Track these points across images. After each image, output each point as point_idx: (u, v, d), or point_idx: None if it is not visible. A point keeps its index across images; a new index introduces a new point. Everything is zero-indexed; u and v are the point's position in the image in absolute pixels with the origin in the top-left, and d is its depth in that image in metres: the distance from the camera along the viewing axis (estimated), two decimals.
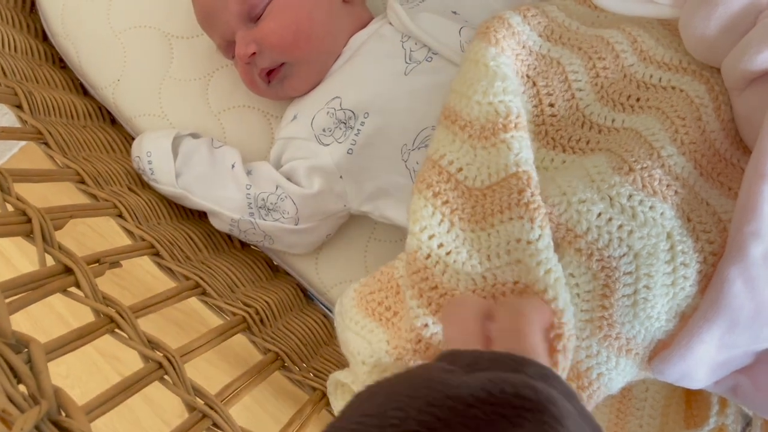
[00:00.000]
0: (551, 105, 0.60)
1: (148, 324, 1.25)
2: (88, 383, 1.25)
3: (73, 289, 0.58)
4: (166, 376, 0.56)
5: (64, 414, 0.45)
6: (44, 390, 0.44)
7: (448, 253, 0.53)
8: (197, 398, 0.56)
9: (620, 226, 0.51)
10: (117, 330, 0.57)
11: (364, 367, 0.56)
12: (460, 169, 0.55)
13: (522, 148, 0.54)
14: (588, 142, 0.59)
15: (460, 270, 0.53)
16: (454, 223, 0.54)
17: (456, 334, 0.45)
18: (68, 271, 0.58)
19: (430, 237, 0.54)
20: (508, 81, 0.57)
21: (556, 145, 0.60)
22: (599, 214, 0.52)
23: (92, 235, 1.38)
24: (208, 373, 1.12)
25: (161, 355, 0.57)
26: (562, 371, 0.48)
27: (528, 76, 0.61)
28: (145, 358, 0.56)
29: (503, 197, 0.53)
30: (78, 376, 1.34)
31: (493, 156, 0.54)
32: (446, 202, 0.55)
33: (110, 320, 0.57)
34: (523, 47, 0.61)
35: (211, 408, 0.55)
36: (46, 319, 1.27)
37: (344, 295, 0.63)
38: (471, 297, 0.49)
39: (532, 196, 0.52)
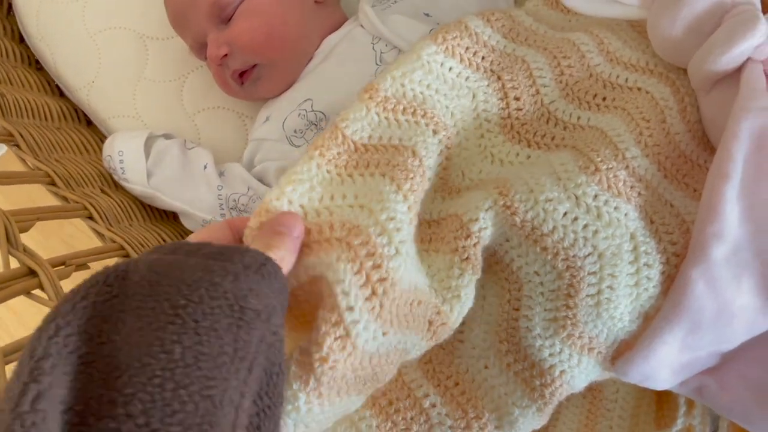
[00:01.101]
0: (516, 99, 0.60)
1: None
2: None
3: (37, 292, 0.58)
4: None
5: None
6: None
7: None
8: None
9: (585, 226, 0.51)
10: None
11: None
12: (345, 120, 0.54)
13: (420, 135, 0.54)
14: (553, 138, 0.59)
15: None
16: (321, 166, 0.52)
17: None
18: (32, 273, 0.58)
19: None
20: (434, 77, 0.57)
21: (521, 139, 0.59)
22: (565, 214, 0.52)
23: (80, 236, 1.38)
24: None
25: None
26: None
27: (492, 71, 0.61)
28: None
29: (383, 157, 0.52)
30: None
31: (384, 125, 0.54)
32: (324, 152, 0.53)
33: None
34: (484, 45, 0.61)
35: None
36: (10, 320, 1.28)
37: None
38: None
39: (413, 166, 0.51)
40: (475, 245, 0.52)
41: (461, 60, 0.60)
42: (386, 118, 0.55)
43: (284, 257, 0.43)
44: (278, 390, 0.38)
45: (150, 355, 0.30)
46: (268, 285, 0.38)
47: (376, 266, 0.45)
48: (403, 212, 0.49)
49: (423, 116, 0.56)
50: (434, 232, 0.57)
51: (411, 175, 0.51)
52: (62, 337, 0.31)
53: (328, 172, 0.52)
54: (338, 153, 0.53)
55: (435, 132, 0.56)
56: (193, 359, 0.31)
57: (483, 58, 0.61)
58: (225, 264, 0.36)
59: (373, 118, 0.55)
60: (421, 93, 0.57)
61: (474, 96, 0.60)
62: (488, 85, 0.60)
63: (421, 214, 0.57)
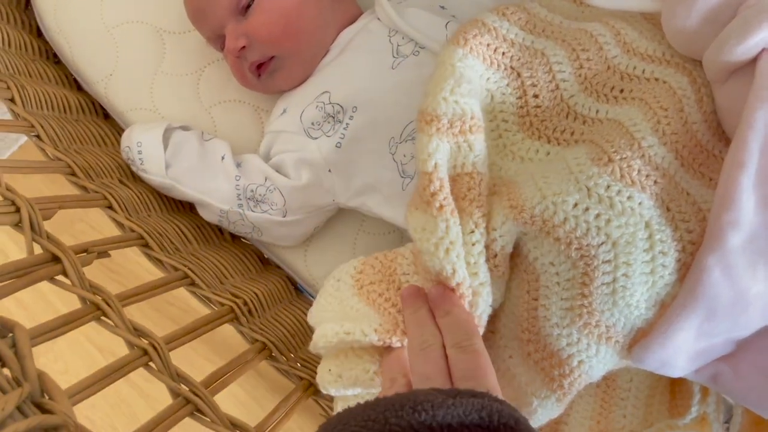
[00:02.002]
0: (535, 96, 0.60)
1: (143, 319, 1.26)
2: None
3: (60, 278, 0.59)
4: (150, 363, 0.57)
5: (47, 397, 0.46)
6: (27, 373, 0.45)
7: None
8: (182, 384, 0.57)
9: (597, 215, 0.52)
10: (103, 317, 0.58)
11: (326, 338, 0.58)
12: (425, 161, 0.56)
13: (481, 150, 0.57)
14: (572, 133, 0.59)
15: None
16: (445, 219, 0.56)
17: (428, 368, 0.47)
18: (56, 259, 0.59)
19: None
20: (467, 81, 0.58)
21: (540, 135, 0.60)
22: (575, 205, 0.52)
23: (91, 232, 1.39)
24: (202, 366, 1.13)
25: (147, 342, 0.57)
26: None
27: (512, 68, 0.62)
28: (131, 345, 0.57)
29: (460, 191, 0.56)
30: (76, 372, 1.35)
31: (455, 150, 0.57)
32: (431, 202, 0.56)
33: (96, 308, 0.57)
34: (504, 40, 0.62)
35: (195, 394, 0.56)
36: (36, 306, 1.28)
37: (342, 278, 0.63)
38: (433, 335, 0.50)
39: (479, 196, 0.56)
40: (496, 259, 0.56)
41: (484, 59, 0.61)
42: (456, 143, 0.57)
43: None
44: None
45: None
46: None
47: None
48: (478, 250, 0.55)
49: (478, 129, 0.58)
50: None
51: (477, 204, 0.56)
52: None
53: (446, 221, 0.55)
54: (433, 193, 0.55)
55: (484, 139, 0.59)
56: None
57: (504, 54, 0.62)
58: None
59: (445, 148, 0.56)
60: (467, 103, 0.57)
61: (492, 98, 0.61)
62: (507, 84, 0.61)
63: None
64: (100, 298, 0.58)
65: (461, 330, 0.49)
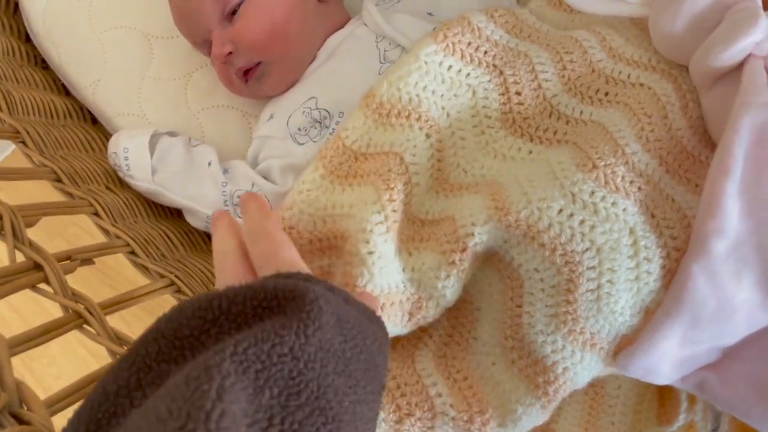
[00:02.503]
0: (518, 93, 0.60)
1: (137, 322, 1.25)
2: None
3: (42, 285, 0.58)
4: None
5: (25, 408, 0.45)
6: (5, 383, 0.45)
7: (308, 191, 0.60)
8: None
9: (582, 222, 0.52)
10: (85, 326, 0.57)
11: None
12: (345, 130, 0.60)
13: (411, 139, 0.58)
14: (555, 132, 0.59)
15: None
16: (325, 177, 0.60)
17: (228, 277, 0.45)
18: (38, 267, 0.58)
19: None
20: (431, 78, 0.59)
21: (523, 133, 0.60)
22: (560, 210, 0.52)
23: (84, 236, 1.39)
24: None
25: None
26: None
27: (494, 65, 0.61)
28: (113, 353, 0.56)
29: (373, 165, 0.58)
30: (69, 377, 1.35)
31: (381, 131, 0.59)
32: (326, 164, 0.60)
33: (78, 316, 0.57)
34: (487, 40, 0.62)
35: None
36: (29, 310, 1.28)
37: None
38: (226, 242, 0.48)
39: (398, 174, 0.57)
40: (464, 253, 0.55)
41: (462, 56, 0.61)
42: (381, 124, 0.59)
43: None
44: None
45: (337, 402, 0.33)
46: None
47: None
48: (378, 222, 0.55)
49: (417, 119, 0.59)
50: (430, 231, 0.58)
51: (392, 185, 0.56)
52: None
53: (330, 182, 0.59)
54: (339, 163, 0.59)
55: (428, 135, 0.59)
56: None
57: (485, 52, 0.61)
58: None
59: (369, 126, 0.59)
60: (417, 95, 0.59)
61: (474, 93, 0.61)
62: (489, 80, 0.61)
63: (415, 213, 0.59)
64: (82, 306, 0.57)
65: (252, 221, 0.47)
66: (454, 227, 0.55)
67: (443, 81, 0.60)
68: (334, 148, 0.60)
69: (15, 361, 0.49)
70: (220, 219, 0.49)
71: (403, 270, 0.57)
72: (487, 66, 0.61)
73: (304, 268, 0.43)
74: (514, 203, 0.53)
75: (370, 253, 0.53)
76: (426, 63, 0.59)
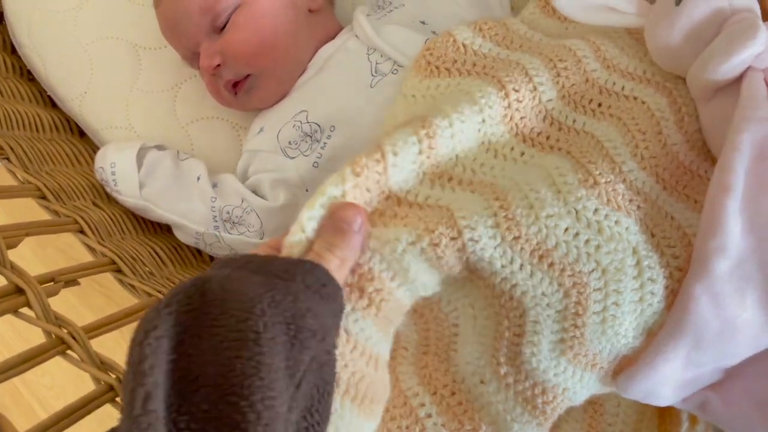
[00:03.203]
0: (516, 90, 0.58)
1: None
2: (74, 395, 1.25)
3: (24, 310, 0.57)
4: (117, 399, 0.55)
5: None
6: None
7: None
8: None
9: (587, 241, 0.50)
10: (69, 351, 0.56)
11: None
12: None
13: (404, 141, 0.53)
14: (548, 138, 0.57)
15: None
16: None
17: None
18: (20, 291, 0.56)
19: None
20: (421, 102, 0.58)
21: (518, 133, 0.58)
22: (566, 229, 0.50)
23: (77, 245, 1.37)
24: None
25: (114, 377, 0.55)
26: None
27: (485, 73, 0.60)
28: (97, 380, 0.55)
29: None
30: (63, 387, 1.33)
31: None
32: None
33: (61, 341, 0.55)
34: (474, 54, 0.61)
35: None
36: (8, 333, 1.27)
37: None
38: None
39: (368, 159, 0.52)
40: (455, 242, 0.51)
41: (449, 73, 0.59)
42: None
43: (346, 257, 0.46)
44: (327, 407, 0.40)
45: (221, 375, 0.32)
46: (327, 305, 0.41)
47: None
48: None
49: (409, 123, 0.55)
50: (414, 213, 0.54)
51: (361, 163, 0.51)
52: (153, 339, 0.33)
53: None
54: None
55: (416, 135, 0.54)
56: (254, 369, 0.33)
57: (474, 64, 0.60)
58: (288, 284, 0.39)
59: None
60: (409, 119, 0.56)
61: (469, 93, 0.58)
62: (483, 82, 0.59)
63: (401, 192, 0.55)
64: (65, 331, 0.56)
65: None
66: (451, 216, 0.51)
67: (434, 98, 0.59)
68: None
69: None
70: None
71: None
72: (478, 74, 0.60)
73: None
74: (519, 207, 0.51)
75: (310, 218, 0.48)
76: (413, 96, 0.59)
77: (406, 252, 0.50)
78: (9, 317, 0.55)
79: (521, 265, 0.51)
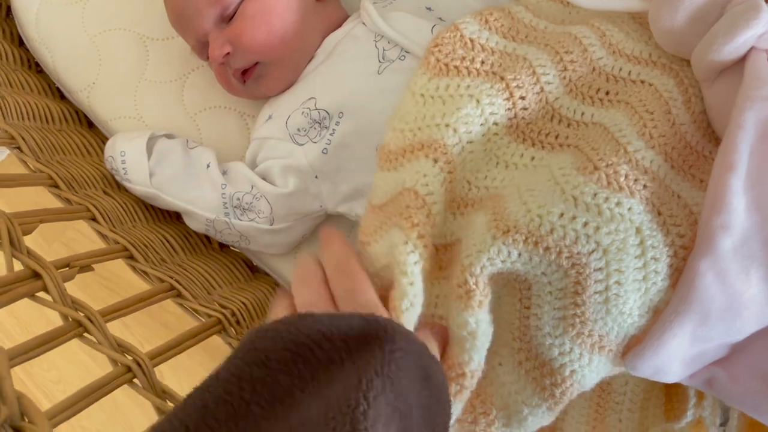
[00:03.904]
0: (522, 98, 0.59)
1: (136, 326, 1.24)
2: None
3: (41, 294, 0.58)
4: (135, 380, 0.56)
5: (27, 420, 0.45)
6: (6, 396, 0.44)
7: None
8: (168, 402, 0.56)
9: (585, 224, 0.51)
10: (86, 334, 0.57)
11: None
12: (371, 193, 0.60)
13: (419, 170, 0.56)
14: (557, 137, 0.58)
15: None
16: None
17: (310, 296, 0.49)
18: (36, 275, 0.57)
19: None
20: (430, 106, 0.59)
21: (525, 138, 0.59)
22: (561, 214, 0.51)
23: (82, 240, 1.38)
24: (198, 373, 1.12)
25: (131, 359, 0.56)
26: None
27: (494, 73, 0.60)
28: (114, 362, 0.56)
29: (394, 209, 0.56)
30: (70, 382, 1.34)
31: (391, 177, 0.58)
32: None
33: (78, 324, 0.56)
34: (482, 49, 0.61)
35: None
36: (29, 316, 1.27)
37: None
38: (312, 263, 0.51)
39: (417, 209, 0.55)
40: (476, 285, 0.53)
41: (458, 72, 0.60)
42: (390, 169, 0.59)
43: None
44: None
45: None
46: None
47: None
48: (414, 261, 0.52)
49: (420, 149, 0.57)
50: (447, 257, 0.58)
51: (416, 221, 0.54)
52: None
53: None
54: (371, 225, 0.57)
55: (435, 160, 0.57)
56: None
57: (482, 62, 0.60)
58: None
59: (390, 176, 0.59)
60: (419, 129, 0.58)
61: (478, 101, 0.59)
62: (491, 87, 0.60)
63: (435, 240, 0.58)
64: (82, 314, 0.57)
65: (338, 255, 0.51)
66: (460, 261, 0.54)
67: (444, 102, 0.59)
68: (369, 214, 0.60)
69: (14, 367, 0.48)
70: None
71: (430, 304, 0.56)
72: (486, 74, 0.60)
73: (384, 312, 0.46)
74: (513, 214, 0.53)
75: (411, 284, 0.52)
76: (422, 95, 0.59)
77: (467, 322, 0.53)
78: (13, 308, 0.56)
79: (519, 254, 0.53)
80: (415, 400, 0.39)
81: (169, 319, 1.26)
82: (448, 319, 0.56)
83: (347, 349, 0.38)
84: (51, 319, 1.21)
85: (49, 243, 1.37)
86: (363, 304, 0.46)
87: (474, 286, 0.52)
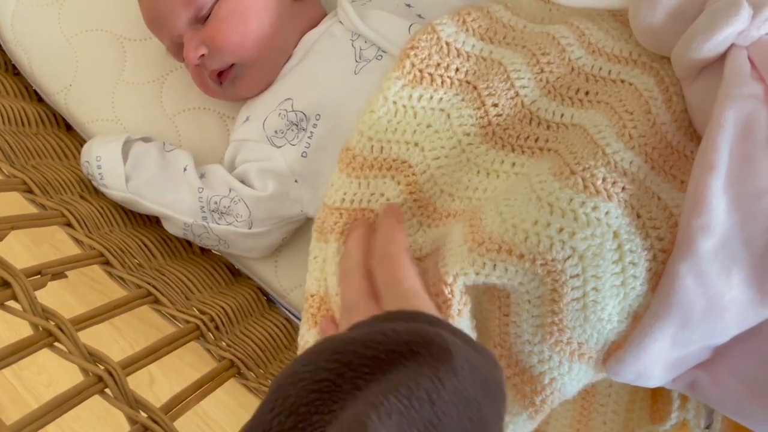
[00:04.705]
0: (495, 105, 0.58)
1: (125, 327, 1.22)
2: None
3: (11, 303, 0.57)
4: (107, 390, 0.55)
5: None
6: None
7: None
8: (140, 411, 0.55)
9: (560, 229, 0.50)
10: (56, 344, 0.56)
11: None
12: (329, 191, 0.61)
13: (384, 192, 0.59)
14: (537, 140, 0.57)
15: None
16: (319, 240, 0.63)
17: (351, 294, 0.51)
18: (5, 284, 0.56)
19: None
20: (401, 116, 0.59)
21: (504, 144, 0.58)
22: (535, 222, 0.50)
23: (70, 242, 1.37)
24: (189, 375, 1.11)
25: (102, 368, 0.55)
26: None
27: (467, 82, 0.60)
28: (85, 371, 0.55)
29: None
30: (60, 384, 1.32)
31: (357, 186, 0.60)
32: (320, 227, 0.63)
33: (48, 334, 0.55)
34: (458, 55, 0.60)
35: (154, 421, 0.54)
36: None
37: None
38: (352, 259, 0.53)
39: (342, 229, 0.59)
40: (451, 294, 0.53)
41: (432, 80, 0.59)
42: (356, 177, 0.60)
43: None
44: None
45: None
46: None
47: None
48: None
49: (389, 169, 0.59)
50: (424, 268, 0.57)
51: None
52: None
53: (325, 242, 0.61)
54: (335, 223, 0.60)
55: (398, 182, 0.59)
56: None
57: (457, 69, 0.60)
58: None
59: (344, 181, 0.60)
60: (388, 141, 0.59)
61: (448, 116, 0.59)
62: (462, 99, 0.59)
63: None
64: (53, 323, 0.56)
65: (384, 238, 0.52)
66: (439, 277, 0.53)
67: (415, 115, 0.59)
68: (322, 211, 0.62)
69: (5, 369, 0.47)
70: (355, 230, 0.56)
71: None
72: (460, 84, 0.60)
73: (427, 303, 0.47)
74: (488, 225, 0.52)
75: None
76: (395, 103, 0.59)
77: None
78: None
79: (494, 266, 0.52)
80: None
81: (159, 322, 1.25)
82: None
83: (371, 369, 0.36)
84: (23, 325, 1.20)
85: (38, 245, 1.35)
86: (402, 293, 0.47)
87: (450, 296, 0.51)
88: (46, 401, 0.50)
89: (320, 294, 0.61)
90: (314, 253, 0.63)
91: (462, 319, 0.53)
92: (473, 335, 0.54)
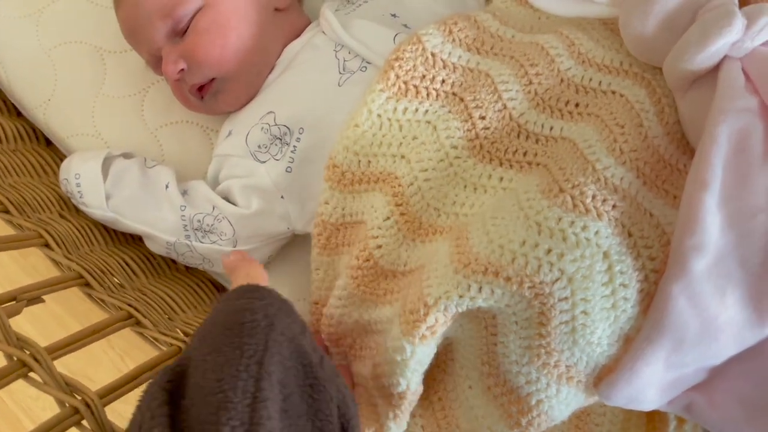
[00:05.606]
0: (482, 118, 0.56)
1: (123, 344, 1.20)
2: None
3: None
4: (84, 422, 0.53)
5: None
6: None
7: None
8: None
9: (548, 251, 0.48)
10: (31, 374, 0.54)
11: None
12: (320, 206, 0.64)
13: (374, 205, 0.60)
14: (525, 154, 0.55)
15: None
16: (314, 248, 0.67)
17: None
18: None
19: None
20: (386, 129, 0.59)
21: (492, 158, 0.56)
22: (523, 242, 0.48)
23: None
24: None
25: (79, 399, 0.53)
26: None
27: (454, 94, 0.58)
28: (61, 402, 0.53)
29: (346, 236, 0.64)
30: (49, 398, 1.31)
31: (347, 200, 0.62)
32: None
33: (22, 364, 0.53)
34: (444, 66, 0.58)
35: None
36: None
37: None
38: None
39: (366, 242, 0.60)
40: (425, 316, 0.52)
41: (417, 93, 0.58)
42: (349, 192, 0.61)
43: None
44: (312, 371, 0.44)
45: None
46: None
47: None
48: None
49: (376, 181, 0.60)
50: (407, 282, 0.56)
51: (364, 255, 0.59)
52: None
53: (328, 256, 0.66)
54: (327, 237, 0.65)
55: (385, 194, 0.59)
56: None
57: (443, 81, 0.58)
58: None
59: (337, 197, 0.62)
60: (374, 155, 0.60)
61: (435, 128, 0.58)
62: (449, 111, 0.57)
63: (390, 268, 0.59)
64: (27, 353, 0.54)
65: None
66: (421, 298, 0.52)
67: (401, 128, 0.58)
68: (317, 226, 0.65)
69: None
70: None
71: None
72: (446, 96, 0.58)
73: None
74: (475, 246, 0.50)
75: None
76: (380, 116, 0.58)
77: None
78: None
79: (480, 288, 0.50)
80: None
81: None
82: (384, 334, 0.56)
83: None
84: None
85: (25, 257, 1.33)
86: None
87: (423, 316, 0.50)
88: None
89: (322, 302, 0.66)
90: (315, 265, 0.67)
91: (421, 345, 0.53)
92: (428, 360, 0.56)
